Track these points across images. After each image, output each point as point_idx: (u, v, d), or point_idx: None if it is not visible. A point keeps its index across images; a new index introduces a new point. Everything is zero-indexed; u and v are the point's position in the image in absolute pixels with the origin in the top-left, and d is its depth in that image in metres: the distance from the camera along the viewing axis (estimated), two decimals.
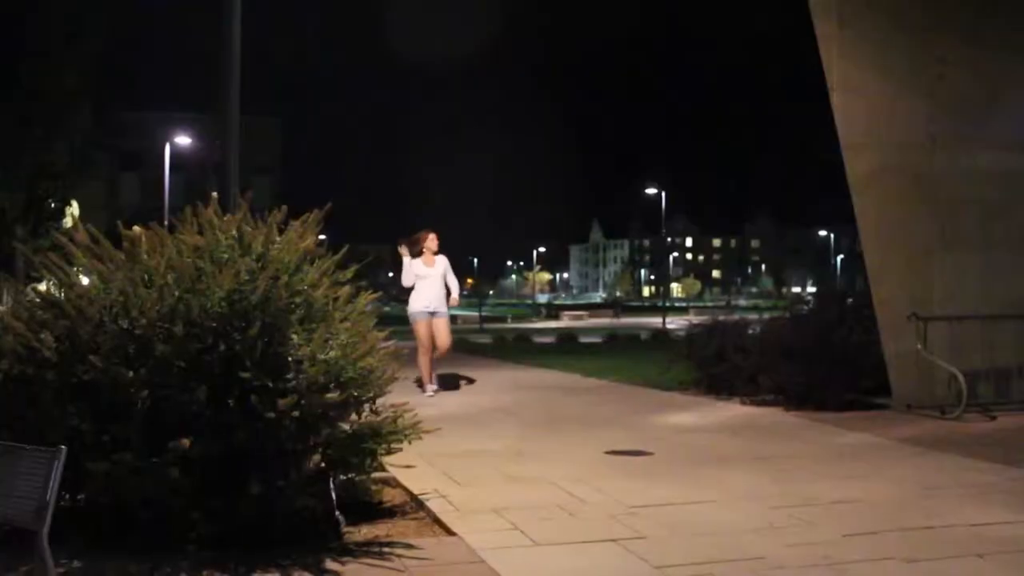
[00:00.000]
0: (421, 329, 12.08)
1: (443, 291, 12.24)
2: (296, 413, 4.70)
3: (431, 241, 12.29)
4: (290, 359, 4.88)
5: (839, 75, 10.31)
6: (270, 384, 4.73)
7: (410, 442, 5.60)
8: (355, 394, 5.16)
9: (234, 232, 5.28)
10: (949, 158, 10.62)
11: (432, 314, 12.11)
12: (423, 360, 12.07)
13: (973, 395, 9.99)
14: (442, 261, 12.37)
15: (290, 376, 4.82)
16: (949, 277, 10.59)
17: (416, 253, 12.23)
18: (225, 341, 4.77)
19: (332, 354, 5.04)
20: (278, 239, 5.32)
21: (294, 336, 4.97)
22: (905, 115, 10.56)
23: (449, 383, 13.18)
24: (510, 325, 57.44)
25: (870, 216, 10.43)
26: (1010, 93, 10.87)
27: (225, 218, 5.41)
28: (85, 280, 5.11)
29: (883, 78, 10.50)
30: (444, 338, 12.14)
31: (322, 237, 5.67)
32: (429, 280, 12.17)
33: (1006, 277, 10.77)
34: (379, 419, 5.41)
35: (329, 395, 4.87)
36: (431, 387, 12.03)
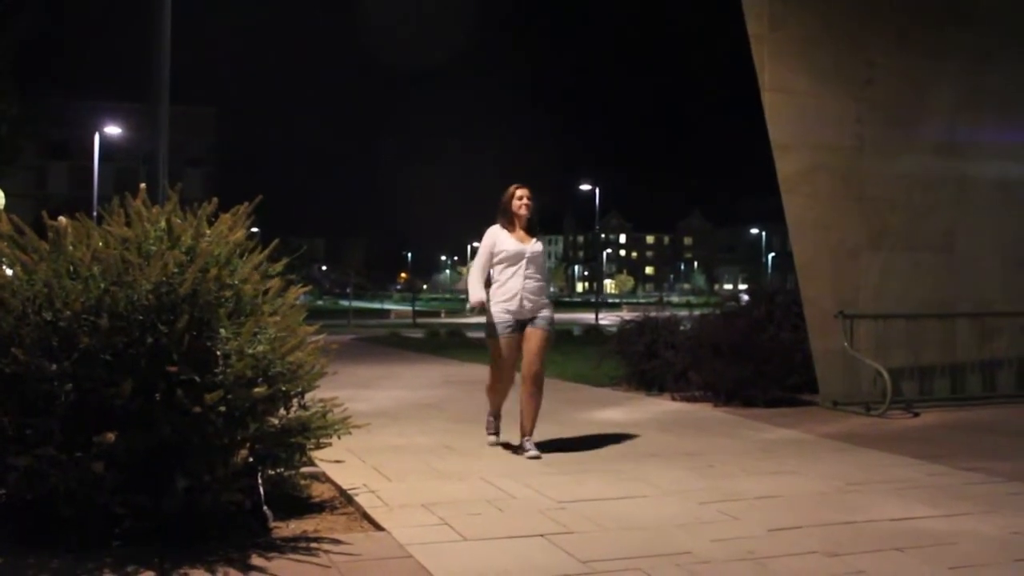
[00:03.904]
0: (499, 347, 7.58)
1: (543, 283, 7.72)
2: (223, 408, 4.67)
3: (518, 201, 7.77)
4: (218, 353, 4.83)
5: (770, 76, 10.45)
6: (197, 378, 4.69)
7: (339, 437, 5.59)
8: (283, 388, 5.13)
9: (163, 224, 5.21)
10: (876, 159, 10.83)
11: (522, 323, 7.56)
12: (491, 390, 7.98)
13: (897, 392, 10.19)
14: (539, 236, 7.87)
15: (217, 370, 4.78)
16: (875, 276, 10.80)
17: (506, 224, 7.77)
18: (152, 334, 4.71)
19: (260, 348, 4.99)
20: (208, 232, 5.27)
21: (222, 330, 4.92)
22: (834, 116, 10.74)
23: (421, 391, 12.66)
24: (444, 320, 57.47)
25: (799, 215, 10.59)
26: (936, 97, 11.11)
27: (154, 209, 5.34)
28: (8, 271, 5.01)
29: (813, 80, 10.65)
30: (533, 360, 7.53)
31: (255, 230, 5.62)
32: (521, 265, 7.58)
33: (931, 277, 11.01)
34: (308, 414, 5.39)
35: (257, 389, 4.83)
36: (491, 432, 8.06)
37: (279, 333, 5.17)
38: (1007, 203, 11.44)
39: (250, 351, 4.91)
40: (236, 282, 5.18)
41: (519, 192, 7.76)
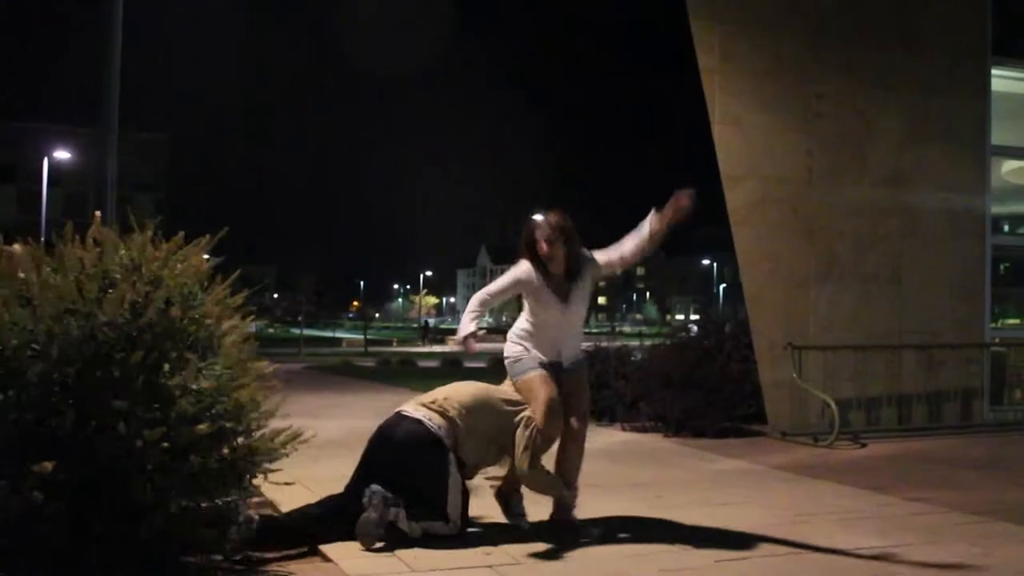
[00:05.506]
0: (540, 388, 5.87)
1: (580, 326, 6.27)
2: (166, 444, 4.56)
3: (542, 233, 5.91)
4: (168, 386, 4.73)
5: (720, 107, 10.53)
6: (145, 413, 4.59)
7: (288, 455, 5.51)
8: (227, 425, 5.01)
9: (123, 252, 5.08)
10: (825, 191, 10.93)
11: (560, 368, 6.05)
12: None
13: (845, 423, 10.26)
14: (586, 267, 6.16)
15: (168, 404, 4.68)
16: (824, 308, 10.87)
17: (533, 257, 5.96)
18: (103, 367, 4.61)
19: (205, 384, 4.88)
20: (179, 264, 5.14)
21: (179, 365, 4.81)
22: (783, 148, 10.83)
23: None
24: (395, 349, 57.25)
25: (748, 247, 10.65)
26: (884, 128, 11.25)
27: (115, 239, 5.20)
28: None
29: (762, 112, 10.75)
30: (580, 417, 6.24)
31: (206, 257, 5.52)
32: (561, 308, 6.01)
33: (878, 308, 11.12)
34: (256, 439, 5.30)
35: (200, 426, 4.73)
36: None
37: (228, 367, 5.07)
38: (953, 234, 11.58)
39: (195, 387, 4.80)
40: (198, 316, 5.08)
41: (538, 233, 5.92)
